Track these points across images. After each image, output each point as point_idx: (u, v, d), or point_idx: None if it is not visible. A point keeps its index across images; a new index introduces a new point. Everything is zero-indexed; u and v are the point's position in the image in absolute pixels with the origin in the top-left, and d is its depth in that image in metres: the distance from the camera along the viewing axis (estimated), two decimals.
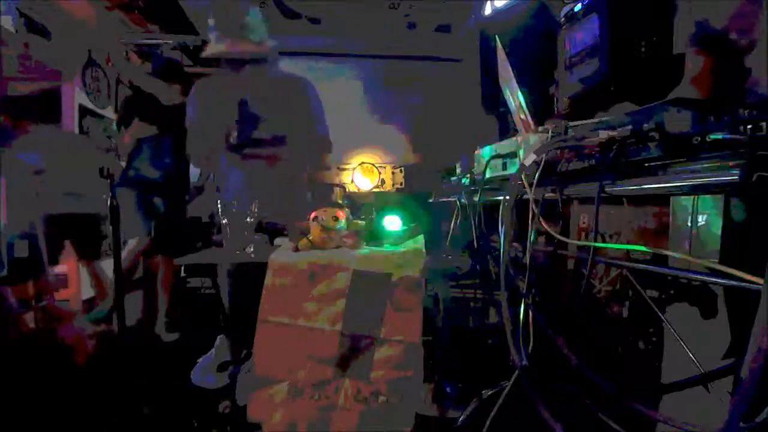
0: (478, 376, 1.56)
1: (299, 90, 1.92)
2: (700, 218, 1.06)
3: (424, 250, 1.24)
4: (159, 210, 2.75)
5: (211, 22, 1.84)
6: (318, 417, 1.09)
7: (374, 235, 1.29)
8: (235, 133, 1.80)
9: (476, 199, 1.39)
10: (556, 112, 1.51)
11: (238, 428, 1.43)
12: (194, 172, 3.46)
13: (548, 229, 0.95)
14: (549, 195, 1.01)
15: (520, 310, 1.02)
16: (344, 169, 3.84)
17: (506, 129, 2.83)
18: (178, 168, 2.80)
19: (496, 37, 1.25)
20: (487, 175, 1.31)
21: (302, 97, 1.91)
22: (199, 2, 3.18)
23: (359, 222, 1.34)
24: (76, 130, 3.54)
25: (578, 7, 1.34)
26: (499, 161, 1.25)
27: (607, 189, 0.85)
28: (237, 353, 1.64)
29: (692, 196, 1.07)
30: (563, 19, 1.41)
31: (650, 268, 0.96)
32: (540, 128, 1.03)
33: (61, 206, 2.79)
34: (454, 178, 1.78)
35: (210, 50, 1.83)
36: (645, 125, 0.75)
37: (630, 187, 0.81)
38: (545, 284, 1.71)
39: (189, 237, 2.89)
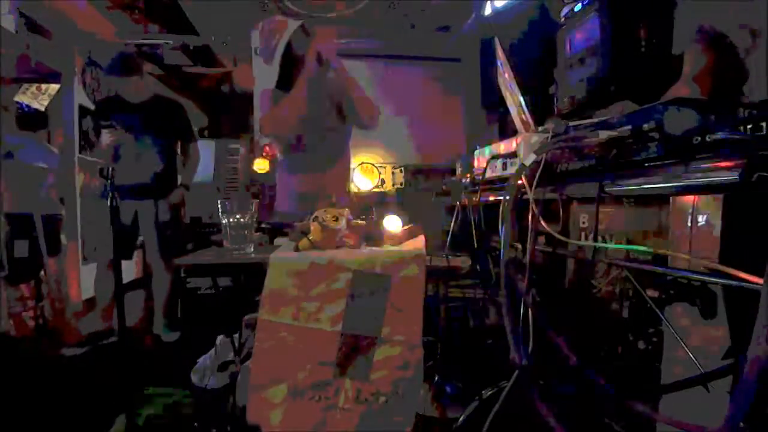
0: (478, 376, 1.56)
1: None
2: (700, 218, 1.06)
3: (424, 250, 1.24)
4: (143, 215, 2.60)
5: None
6: (318, 418, 1.09)
7: (374, 235, 1.29)
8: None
9: (476, 199, 1.38)
10: (556, 112, 1.51)
11: (238, 428, 1.43)
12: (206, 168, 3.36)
13: (548, 229, 0.96)
14: (549, 195, 1.01)
15: (520, 310, 1.02)
16: None
17: (506, 129, 2.83)
18: (164, 167, 2.64)
19: (496, 37, 1.25)
20: (487, 175, 1.31)
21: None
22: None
23: (359, 222, 1.33)
24: (76, 130, 3.55)
25: (578, 7, 1.34)
26: (499, 161, 1.25)
27: (607, 189, 0.85)
28: (238, 353, 1.64)
29: (692, 196, 1.07)
30: (563, 19, 1.41)
31: (650, 268, 0.96)
32: (540, 128, 1.03)
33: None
34: (454, 178, 1.78)
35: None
36: (645, 125, 0.75)
37: (630, 187, 0.81)
38: (545, 284, 1.71)
39: (180, 238, 2.81)
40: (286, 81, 1.80)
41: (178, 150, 2.79)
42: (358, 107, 1.84)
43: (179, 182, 2.77)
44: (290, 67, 1.79)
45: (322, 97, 1.88)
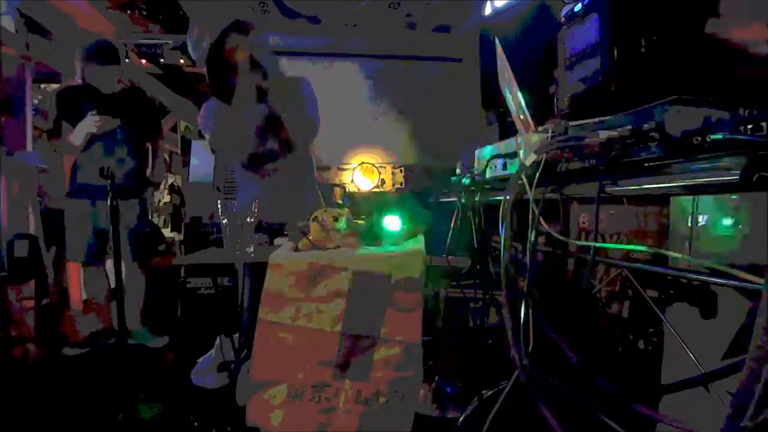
0: (478, 376, 1.56)
1: (296, 89, 1.81)
2: (700, 218, 1.06)
3: (423, 250, 1.24)
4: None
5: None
6: (318, 419, 1.09)
7: (374, 235, 1.29)
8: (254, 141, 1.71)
9: (476, 199, 1.38)
10: (556, 112, 1.51)
11: (238, 428, 1.43)
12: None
13: (548, 229, 0.95)
14: (549, 195, 1.01)
15: (520, 310, 1.02)
16: (344, 169, 3.84)
17: (506, 129, 2.83)
18: (136, 164, 2.50)
19: (496, 37, 1.25)
20: (487, 175, 1.31)
21: (299, 96, 1.80)
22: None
23: (359, 222, 1.33)
24: None
25: (578, 6, 1.33)
26: (499, 161, 1.25)
27: (607, 189, 0.85)
28: (238, 353, 1.64)
29: (692, 196, 1.07)
30: (563, 19, 1.41)
31: (650, 268, 0.96)
32: (540, 128, 1.03)
33: None
34: (454, 178, 1.78)
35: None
36: (645, 125, 0.75)
37: (630, 187, 0.81)
38: (545, 284, 1.70)
39: (154, 238, 2.73)
40: (221, 87, 1.62)
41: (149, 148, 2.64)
42: (287, 124, 1.68)
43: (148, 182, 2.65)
44: (224, 71, 1.60)
45: (261, 111, 1.71)
